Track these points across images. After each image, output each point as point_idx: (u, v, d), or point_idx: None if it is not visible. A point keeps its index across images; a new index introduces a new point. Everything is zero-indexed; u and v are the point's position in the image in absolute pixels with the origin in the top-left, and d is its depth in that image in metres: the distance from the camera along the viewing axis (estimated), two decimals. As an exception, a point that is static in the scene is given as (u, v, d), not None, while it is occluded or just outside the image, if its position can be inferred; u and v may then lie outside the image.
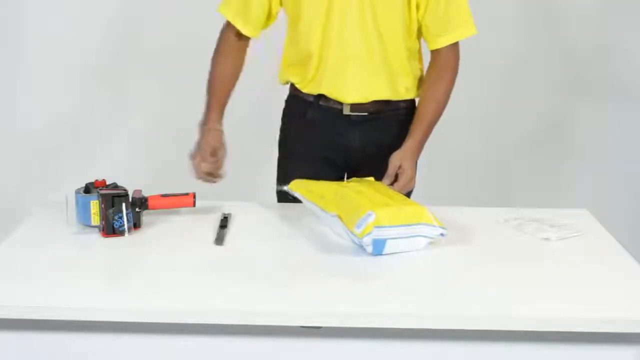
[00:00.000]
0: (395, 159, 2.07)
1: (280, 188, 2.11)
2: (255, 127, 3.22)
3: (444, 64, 2.17)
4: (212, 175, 2.11)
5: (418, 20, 2.13)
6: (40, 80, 3.45)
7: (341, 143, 2.22)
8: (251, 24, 2.16)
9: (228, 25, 2.19)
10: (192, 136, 3.43)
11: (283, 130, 2.33)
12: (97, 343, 1.56)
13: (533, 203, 2.39)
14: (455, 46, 2.17)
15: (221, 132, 2.15)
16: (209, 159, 2.10)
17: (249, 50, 2.23)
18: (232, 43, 2.20)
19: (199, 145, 2.13)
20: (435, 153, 2.31)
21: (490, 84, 3.47)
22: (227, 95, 2.21)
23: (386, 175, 2.05)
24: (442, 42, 2.14)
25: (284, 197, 2.12)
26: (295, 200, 2.02)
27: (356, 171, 2.18)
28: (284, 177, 2.23)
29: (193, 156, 2.13)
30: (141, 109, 3.50)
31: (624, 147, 3.58)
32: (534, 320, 1.50)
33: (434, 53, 2.18)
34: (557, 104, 3.57)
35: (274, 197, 2.26)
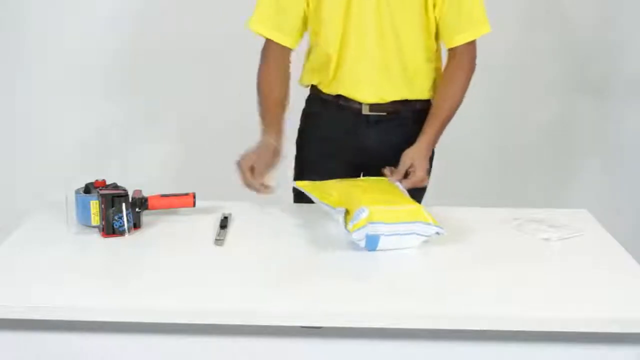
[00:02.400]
0: (407, 157, 2.08)
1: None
2: (253, 127, 3.22)
3: (459, 62, 2.17)
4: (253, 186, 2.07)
5: (435, 19, 2.14)
6: (40, 80, 3.45)
7: (358, 142, 2.24)
8: (291, 35, 2.17)
9: (269, 43, 2.19)
10: (192, 136, 3.45)
11: (302, 129, 2.35)
12: (97, 343, 1.56)
13: (533, 203, 2.39)
14: (471, 44, 2.18)
15: (270, 148, 2.12)
16: (246, 170, 2.07)
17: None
18: (277, 60, 2.19)
19: (248, 154, 2.11)
20: (435, 153, 2.31)
21: (490, 83, 3.45)
22: (282, 113, 2.19)
23: (396, 172, 2.06)
24: (458, 41, 2.15)
25: (301, 197, 2.13)
26: (310, 200, 2.03)
27: (372, 170, 2.17)
28: (300, 175, 2.26)
29: (241, 162, 2.09)
30: (141, 109, 3.50)
31: (624, 147, 3.59)
32: (533, 320, 1.50)
33: (451, 51, 2.18)
34: (557, 104, 3.57)
35: (273, 197, 2.26)
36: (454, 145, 3.46)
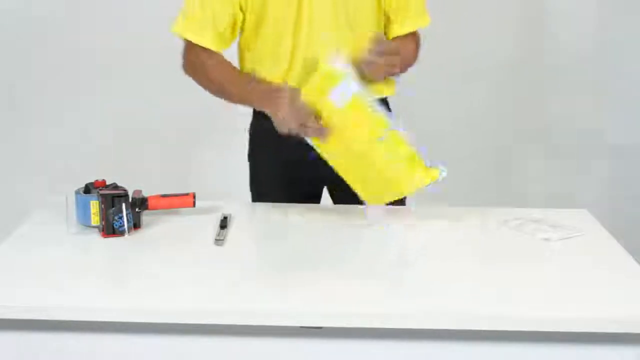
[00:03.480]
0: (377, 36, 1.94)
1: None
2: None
3: (406, 41, 2.09)
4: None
5: (384, 11, 2.06)
6: (40, 79, 3.46)
7: (317, 156, 1.97)
8: (219, 42, 2.01)
9: (193, 47, 2.02)
10: (192, 136, 3.45)
11: (251, 142, 2.20)
12: (97, 343, 1.56)
13: (533, 203, 2.39)
14: (415, 35, 2.12)
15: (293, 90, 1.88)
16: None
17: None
18: (204, 58, 2.03)
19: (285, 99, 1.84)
20: (435, 153, 2.31)
21: (490, 84, 3.46)
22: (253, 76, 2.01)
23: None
24: (404, 29, 2.08)
25: (258, 198, 2.14)
26: (270, 199, 2.04)
27: (335, 183, 1.97)
28: (257, 194, 2.19)
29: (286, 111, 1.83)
30: (141, 109, 3.50)
31: (625, 147, 3.59)
32: (534, 320, 1.50)
33: (397, 38, 2.09)
34: (557, 104, 3.57)
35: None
36: (454, 145, 3.48)
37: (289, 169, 2.13)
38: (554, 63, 3.51)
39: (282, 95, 1.86)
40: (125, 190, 1.86)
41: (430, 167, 1.83)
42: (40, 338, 1.55)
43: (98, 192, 1.84)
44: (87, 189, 1.88)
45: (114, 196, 1.82)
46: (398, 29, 2.10)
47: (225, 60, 2.04)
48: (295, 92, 1.85)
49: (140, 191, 1.92)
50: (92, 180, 1.90)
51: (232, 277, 1.65)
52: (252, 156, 2.22)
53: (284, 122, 1.85)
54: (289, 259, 1.76)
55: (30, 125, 3.51)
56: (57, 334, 1.55)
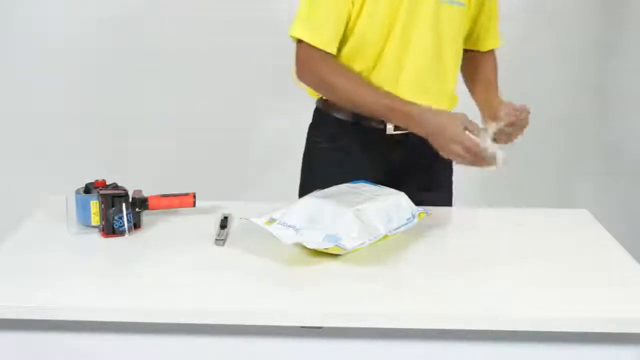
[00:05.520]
0: (504, 106, 1.93)
1: None
2: (253, 127, 3.23)
3: (489, 58, 2.20)
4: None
5: (471, 22, 2.08)
6: (40, 79, 3.46)
7: (381, 164, 2.05)
8: (337, 41, 1.92)
9: (310, 51, 1.90)
10: (192, 136, 3.46)
11: (309, 150, 2.14)
12: (97, 343, 1.56)
13: (533, 203, 2.39)
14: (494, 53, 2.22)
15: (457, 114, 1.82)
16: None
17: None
18: (323, 62, 1.92)
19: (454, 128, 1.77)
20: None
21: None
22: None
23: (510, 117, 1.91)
24: (491, 45, 2.19)
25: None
26: None
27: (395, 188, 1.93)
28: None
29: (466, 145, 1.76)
30: (141, 109, 3.50)
31: (625, 147, 3.59)
32: (534, 320, 1.51)
33: (481, 53, 2.19)
34: (557, 104, 3.57)
35: (273, 197, 2.26)
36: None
37: (353, 171, 2.01)
38: (555, 64, 3.51)
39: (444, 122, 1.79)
40: (125, 190, 1.86)
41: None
42: (40, 338, 1.55)
43: (98, 192, 1.84)
44: (87, 189, 1.88)
45: (114, 196, 1.82)
46: (482, 46, 2.18)
47: (345, 66, 1.95)
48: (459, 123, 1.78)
49: (140, 191, 1.92)
50: (92, 180, 1.90)
51: (232, 277, 1.65)
52: (310, 154, 2.13)
53: (457, 154, 1.79)
54: (289, 259, 1.75)
55: (30, 124, 3.51)
56: (57, 334, 1.55)
